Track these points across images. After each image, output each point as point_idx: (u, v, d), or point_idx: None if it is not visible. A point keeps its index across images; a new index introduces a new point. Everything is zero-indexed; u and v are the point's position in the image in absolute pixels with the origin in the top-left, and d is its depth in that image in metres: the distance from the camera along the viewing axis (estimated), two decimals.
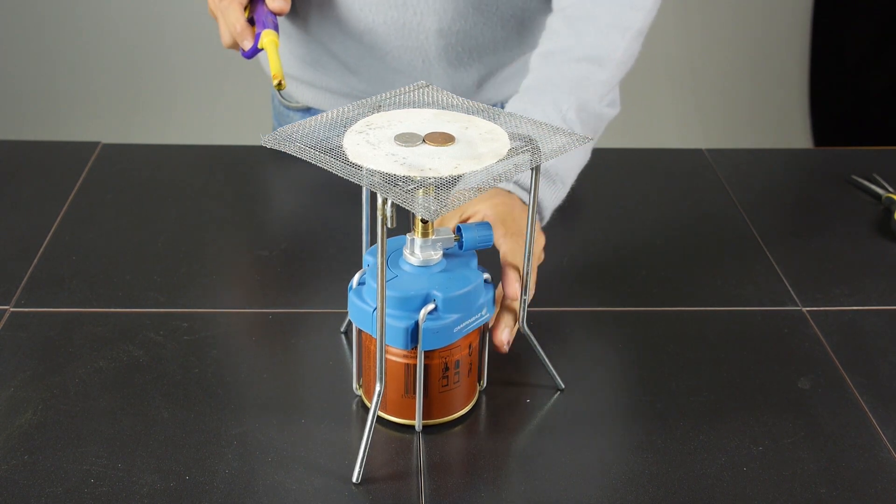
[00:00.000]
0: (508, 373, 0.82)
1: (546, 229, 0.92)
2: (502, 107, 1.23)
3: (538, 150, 0.70)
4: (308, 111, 1.24)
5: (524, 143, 0.70)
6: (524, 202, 0.89)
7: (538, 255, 0.87)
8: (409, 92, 0.78)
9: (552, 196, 0.93)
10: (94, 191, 1.09)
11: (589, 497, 0.70)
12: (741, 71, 2.77)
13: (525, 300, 0.78)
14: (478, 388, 0.80)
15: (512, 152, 0.69)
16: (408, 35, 1.10)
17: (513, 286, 0.79)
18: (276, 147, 0.70)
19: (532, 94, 0.96)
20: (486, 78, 1.17)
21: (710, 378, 0.83)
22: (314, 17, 1.13)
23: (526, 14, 1.12)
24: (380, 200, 0.64)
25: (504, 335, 0.78)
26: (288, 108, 1.28)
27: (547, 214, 0.93)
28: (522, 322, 0.79)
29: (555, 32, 1.00)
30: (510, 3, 1.10)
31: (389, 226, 0.65)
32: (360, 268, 0.75)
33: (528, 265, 0.76)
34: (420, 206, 0.63)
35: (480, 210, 0.85)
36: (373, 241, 0.75)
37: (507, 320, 0.79)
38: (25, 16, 2.57)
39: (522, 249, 0.79)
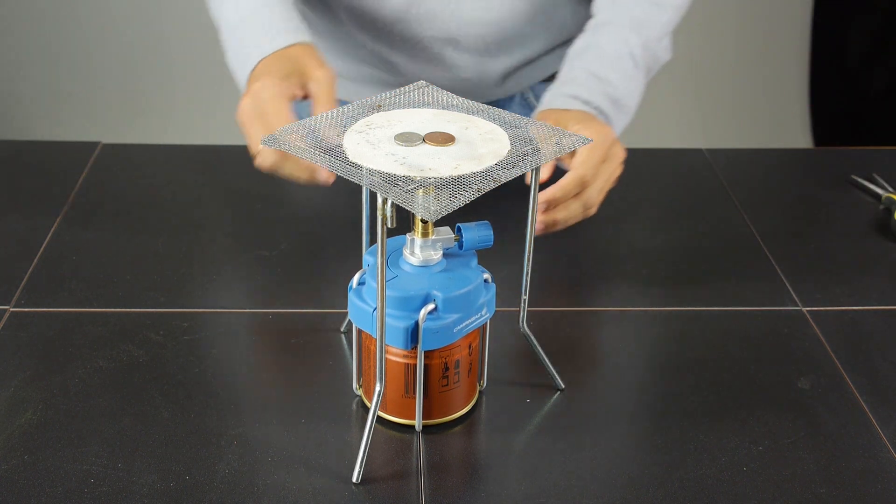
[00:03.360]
0: (508, 373, 0.82)
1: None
2: (524, 96, 1.23)
3: (538, 151, 0.70)
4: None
5: (524, 144, 0.70)
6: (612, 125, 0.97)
7: (616, 168, 0.93)
8: (409, 92, 0.78)
9: (621, 123, 1.00)
10: (94, 191, 1.09)
11: (589, 497, 0.70)
12: (741, 71, 2.77)
13: (525, 300, 0.78)
14: (478, 387, 0.80)
15: (512, 153, 0.69)
16: (440, 25, 1.10)
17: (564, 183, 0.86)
18: (277, 147, 0.70)
19: (601, 29, 1.03)
20: (513, 69, 1.17)
21: (710, 378, 0.83)
22: (344, 8, 1.13)
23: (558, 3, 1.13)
24: (380, 200, 0.64)
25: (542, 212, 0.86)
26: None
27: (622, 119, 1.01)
28: (523, 322, 0.79)
29: None
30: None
31: (389, 226, 0.65)
32: (360, 268, 0.75)
33: (528, 265, 0.76)
34: (420, 206, 0.63)
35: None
36: (373, 240, 0.75)
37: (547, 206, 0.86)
38: (25, 16, 2.57)
39: (606, 171, 0.90)
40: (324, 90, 0.90)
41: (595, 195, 0.91)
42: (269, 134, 0.77)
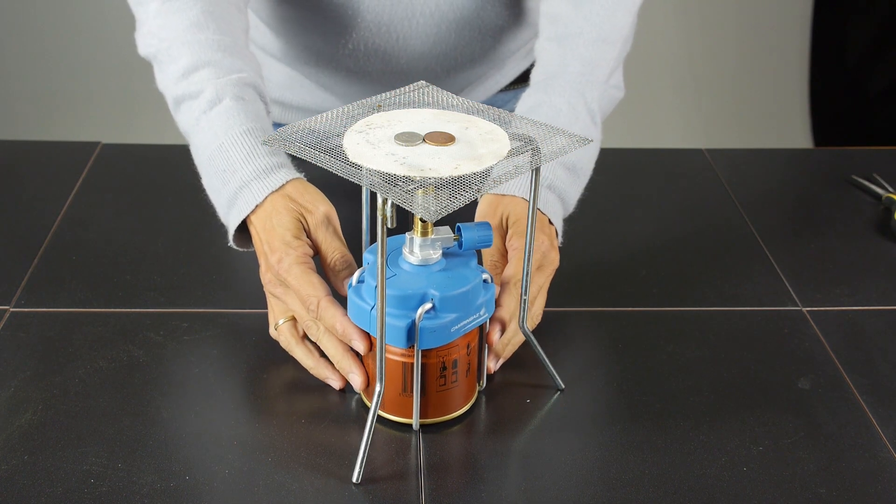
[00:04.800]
0: (508, 373, 0.82)
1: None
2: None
3: (538, 152, 0.70)
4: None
5: (524, 144, 0.70)
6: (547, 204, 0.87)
7: (549, 278, 0.85)
8: (408, 92, 0.78)
9: (576, 191, 0.92)
10: (94, 191, 1.09)
11: (589, 497, 0.70)
12: (741, 71, 2.77)
13: (525, 300, 0.78)
14: (477, 387, 0.80)
15: (512, 153, 0.69)
16: (389, 60, 1.10)
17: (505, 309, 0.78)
18: (277, 147, 0.70)
19: (552, 83, 0.95)
20: (463, 90, 1.18)
21: (710, 378, 0.83)
22: (297, 43, 1.13)
23: (504, 29, 1.12)
24: (380, 200, 0.64)
25: (495, 336, 0.77)
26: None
27: (572, 207, 0.92)
28: (523, 322, 0.79)
29: (561, 16, 0.97)
30: (488, 22, 1.10)
31: (389, 226, 0.65)
32: (360, 267, 0.75)
33: (528, 265, 0.76)
34: (419, 206, 0.63)
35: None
36: (373, 240, 0.75)
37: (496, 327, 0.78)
38: (25, 16, 2.57)
39: (539, 282, 0.82)
40: (331, 231, 0.82)
41: (539, 313, 0.83)
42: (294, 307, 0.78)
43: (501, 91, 1.24)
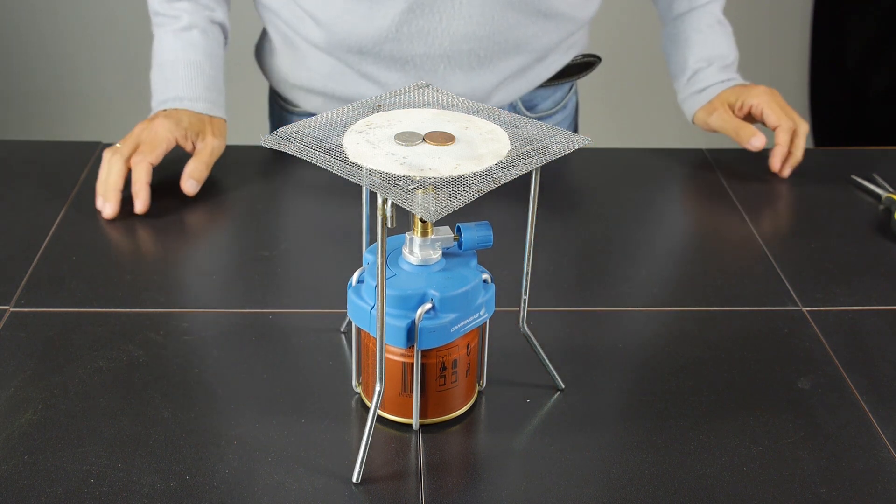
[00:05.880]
0: (508, 373, 0.82)
1: (546, 229, 0.92)
2: (513, 105, 1.24)
3: (539, 151, 0.70)
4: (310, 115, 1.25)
5: (525, 144, 0.70)
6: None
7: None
8: (408, 92, 0.78)
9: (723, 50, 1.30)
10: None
11: (589, 497, 0.70)
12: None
13: (525, 300, 0.78)
14: (477, 387, 0.80)
15: (512, 154, 0.69)
16: (432, 42, 1.11)
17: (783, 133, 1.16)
18: (276, 147, 0.70)
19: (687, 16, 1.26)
20: (503, 81, 1.18)
21: (710, 378, 0.83)
22: (340, 28, 1.13)
23: (549, 16, 1.14)
24: (380, 200, 0.64)
25: (778, 161, 1.15)
26: (291, 112, 1.28)
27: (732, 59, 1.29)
28: (522, 322, 0.79)
29: None
30: (531, 5, 1.12)
31: (389, 226, 0.65)
32: (360, 267, 0.75)
33: (528, 265, 0.76)
34: (419, 206, 0.63)
35: (761, 100, 1.19)
36: (372, 240, 0.75)
37: (782, 148, 1.16)
38: (25, 16, 2.57)
39: (776, 102, 1.18)
40: (206, 152, 1.09)
41: (803, 133, 1.17)
42: (143, 154, 1.05)
43: (541, 87, 1.25)
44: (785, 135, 1.16)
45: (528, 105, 1.26)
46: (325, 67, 1.18)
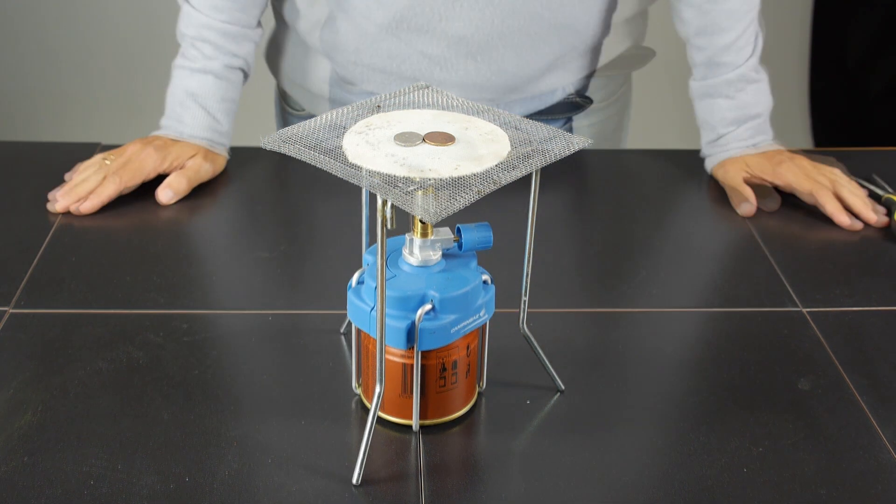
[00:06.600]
0: (508, 374, 0.82)
1: (546, 229, 0.92)
2: (566, 94, 1.22)
3: (539, 152, 0.70)
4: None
5: (525, 145, 0.70)
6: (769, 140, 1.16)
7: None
8: (408, 93, 0.78)
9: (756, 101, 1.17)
10: None
11: (589, 498, 0.70)
12: None
13: (525, 301, 0.78)
14: (477, 388, 0.80)
15: (512, 154, 0.69)
16: (428, 42, 1.10)
17: (831, 202, 1.08)
18: (276, 149, 0.70)
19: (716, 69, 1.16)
20: (501, 96, 1.17)
21: (710, 378, 0.83)
22: (331, 31, 1.12)
23: (560, 21, 1.11)
24: (379, 202, 0.64)
25: (843, 216, 1.07)
26: (293, 115, 1.28)
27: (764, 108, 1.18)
28: (522, 323, 0.79)
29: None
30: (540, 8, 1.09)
31: (389, 227, 0.65)
32: (360, 268, 0.75)
33: (528, 266, 0.76)
34: (419, 207, 0.63)
35: (787, 180, 1.11)
36: (372, 241, 0.75)
37: (833, 205, 1.07)
38: (25, 16, 2.57)
39: (803, 171, 1.11)
40: (192, 168, 1.09)
41: (845, 181, 1.11)
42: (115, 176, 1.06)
43: (594, 76, 1.23)
44: (827, 199, 1.08)
45: (583, 95, 1.24)
46: (385, 46, 1.15)
